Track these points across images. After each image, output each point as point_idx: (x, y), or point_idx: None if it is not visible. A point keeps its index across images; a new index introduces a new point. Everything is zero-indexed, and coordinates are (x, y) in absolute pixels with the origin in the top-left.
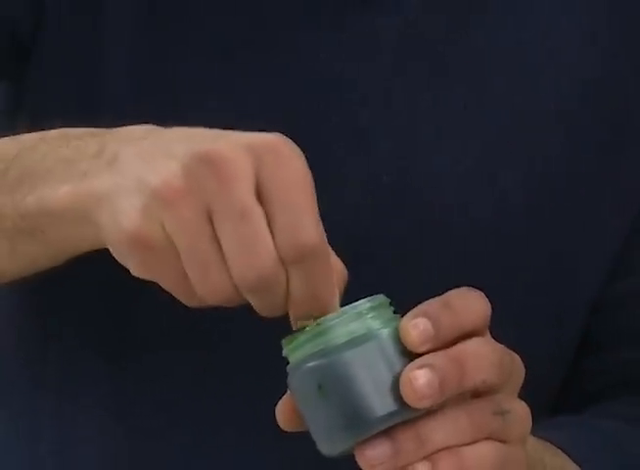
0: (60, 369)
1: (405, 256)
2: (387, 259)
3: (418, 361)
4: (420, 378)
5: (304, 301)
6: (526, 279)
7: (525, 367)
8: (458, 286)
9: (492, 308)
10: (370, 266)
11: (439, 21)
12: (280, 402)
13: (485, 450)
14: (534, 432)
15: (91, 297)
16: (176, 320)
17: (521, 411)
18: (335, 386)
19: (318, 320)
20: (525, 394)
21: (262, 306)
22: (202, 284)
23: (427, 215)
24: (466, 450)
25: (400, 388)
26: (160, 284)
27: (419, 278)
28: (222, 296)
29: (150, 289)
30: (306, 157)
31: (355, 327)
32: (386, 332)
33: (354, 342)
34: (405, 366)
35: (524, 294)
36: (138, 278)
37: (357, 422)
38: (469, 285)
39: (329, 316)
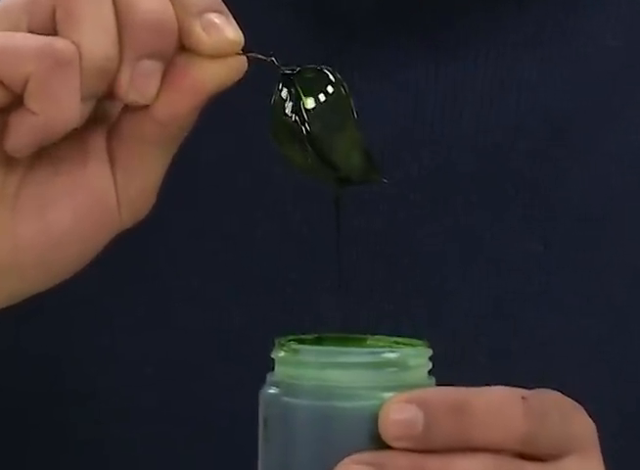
0: None
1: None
2: None
3: (365, 456)
4: None
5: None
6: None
7: None
8: None
9: None
10: None
11: None
12: None
13: None
14: None
15: None
16: None
17: None
18: (276, 431)
19: (304, 347)
20: None
21: None
22: None
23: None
24: None
25: None
26: None
27: None
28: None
29: None
30: None
31: (338, 375)
32: (367, 402)
33: (321, 392)
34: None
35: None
36: None
37: None
38: None
39: (323, 349)
